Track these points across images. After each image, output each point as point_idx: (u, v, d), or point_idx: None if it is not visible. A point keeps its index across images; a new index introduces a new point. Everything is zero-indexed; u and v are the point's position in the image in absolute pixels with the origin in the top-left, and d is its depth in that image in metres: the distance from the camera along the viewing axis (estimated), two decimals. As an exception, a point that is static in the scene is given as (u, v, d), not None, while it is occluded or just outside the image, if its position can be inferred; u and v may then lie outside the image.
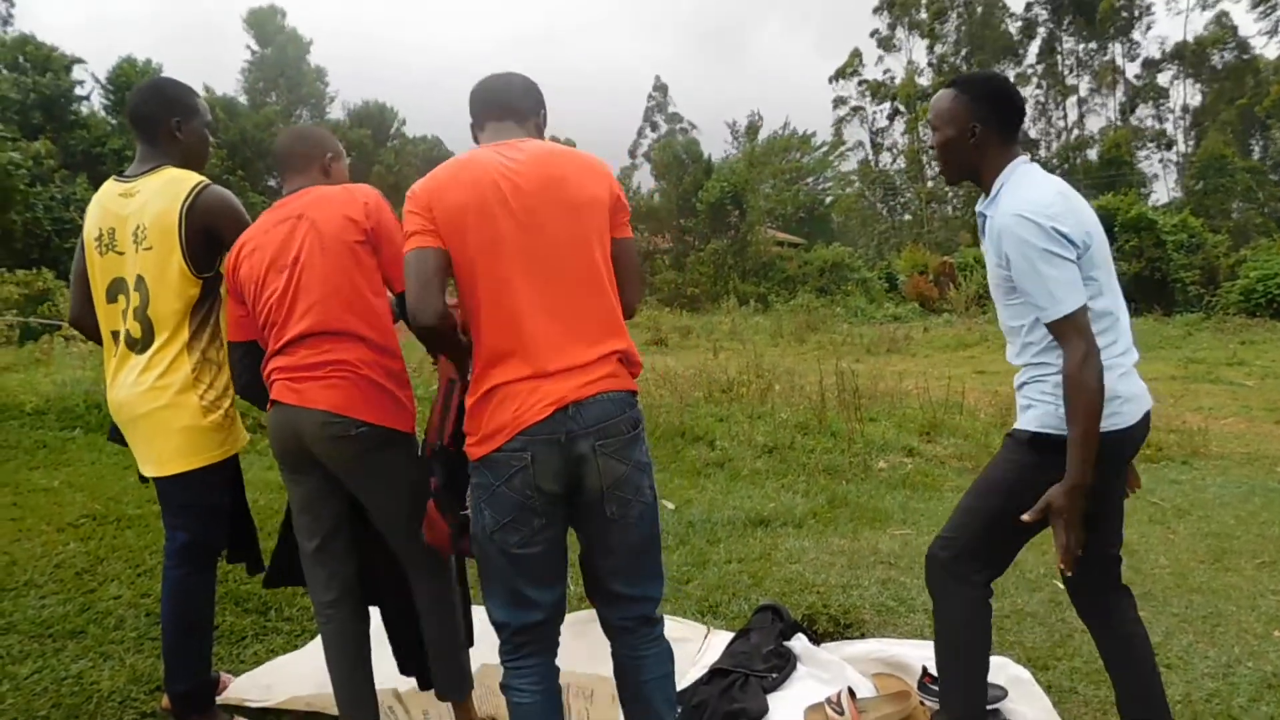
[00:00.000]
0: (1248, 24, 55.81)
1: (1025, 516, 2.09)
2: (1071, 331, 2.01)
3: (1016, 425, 2.25)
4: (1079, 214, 2.09)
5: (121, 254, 2.56)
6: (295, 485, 2.38)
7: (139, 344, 2.57)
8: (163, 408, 2.53)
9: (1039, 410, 2.15)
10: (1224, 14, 42.53)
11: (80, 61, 28.40)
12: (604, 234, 2.01)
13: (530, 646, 2.06)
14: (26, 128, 24.23)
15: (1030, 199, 2.08)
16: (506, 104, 2.16)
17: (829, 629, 3.43)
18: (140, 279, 2.54)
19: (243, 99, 39.48)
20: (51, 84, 26.02)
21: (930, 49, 46.74)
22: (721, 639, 3.26)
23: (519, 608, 2.02)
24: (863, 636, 3.37)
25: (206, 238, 2.52)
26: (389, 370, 2.31)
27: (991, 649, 3.15)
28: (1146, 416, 2.21)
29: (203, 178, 2.56)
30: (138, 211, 2.54)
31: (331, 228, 2.27)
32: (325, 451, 2.25)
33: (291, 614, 3.56)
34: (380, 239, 2.30)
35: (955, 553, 2.33)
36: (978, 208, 2.26)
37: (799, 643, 3.13)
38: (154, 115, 2.62)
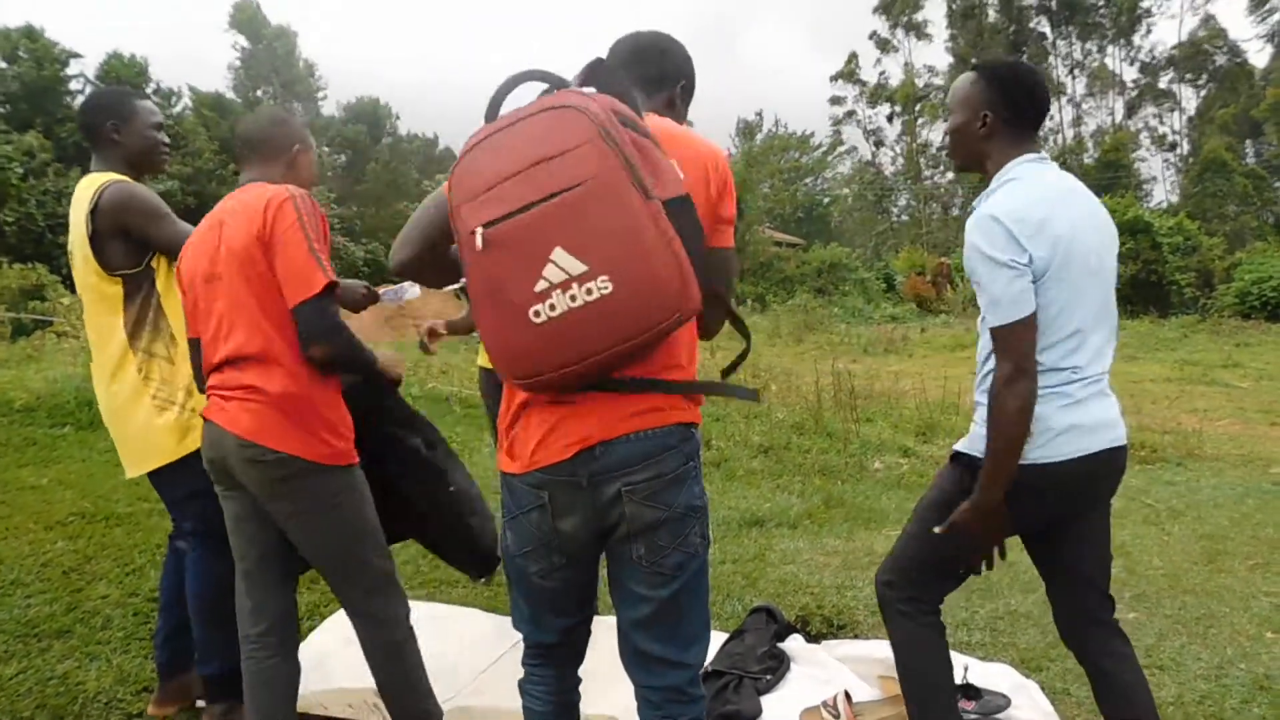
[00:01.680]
0: (1239, 28, 56.00)
1: (936, 529, 2.07)
2: (1004, 345, 1.92)
3: (955, 444, 2.18)
4: (1052, 225, 1.93)
5: (77, 266, 2.64)
6: (225, 502, 2.27)
7: (94, 348, 2.65)
8: (118, 409, 2.59)
9: (975, 431, 2.06)
10: (1211, 17, 42.67)
11: (78, 56, 28.33)
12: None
13: (546, 658, 1.93)
14: (16, 120, 24.15)
15: (1006, 202, 1.97)
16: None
17: (823, 630, 3.41)
18: (80, 291, 2.64)
19: (233, 96, 39.35)
20: (40, 77, 25.91)
21: (953, 39, 46.51)
22: (715, 640, 3.23)
23: (536, 626, 1.88)
24: (856, 638, 3.34)
25: (117, 236, 2.52)
26: (300, 399, 2.11)
27: (986, 654, 3.15)
28: (1104, 455, 2.01)
29: (111, 177, 2.56)
30: (71, 226, 2.61)
31: (239, 244, 2.09)
32: (243, 474, 2.14)
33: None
34: (273, 248, 2.07)
35: (897, 578, 2.25)
36: (975, 202, 2.11)
37: (794, 643, 3.12)
38: (91, 122, 2.67)
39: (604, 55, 1.84)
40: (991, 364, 1.98)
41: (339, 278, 2.16)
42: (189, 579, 2.65)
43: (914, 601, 2.22)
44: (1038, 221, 1.93)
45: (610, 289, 1.42)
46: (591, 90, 1.53)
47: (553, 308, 1.45)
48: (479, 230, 1.46)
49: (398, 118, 44.13)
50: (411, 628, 2.38)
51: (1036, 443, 1.96)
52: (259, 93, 41.02)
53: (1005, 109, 2.06)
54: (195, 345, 2.27)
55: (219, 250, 2.12)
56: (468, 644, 3.21)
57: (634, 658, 1.79)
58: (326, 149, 39.35)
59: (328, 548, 2.22)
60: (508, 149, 1.48)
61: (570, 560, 1.74)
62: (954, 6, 46.31)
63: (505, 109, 1.59)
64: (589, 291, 1.43)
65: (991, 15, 45.41)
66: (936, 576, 2.23)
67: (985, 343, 2.04)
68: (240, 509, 2.23)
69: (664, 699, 1.76)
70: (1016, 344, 1.90)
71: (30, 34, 27.66)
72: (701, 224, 1.53)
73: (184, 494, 2.61)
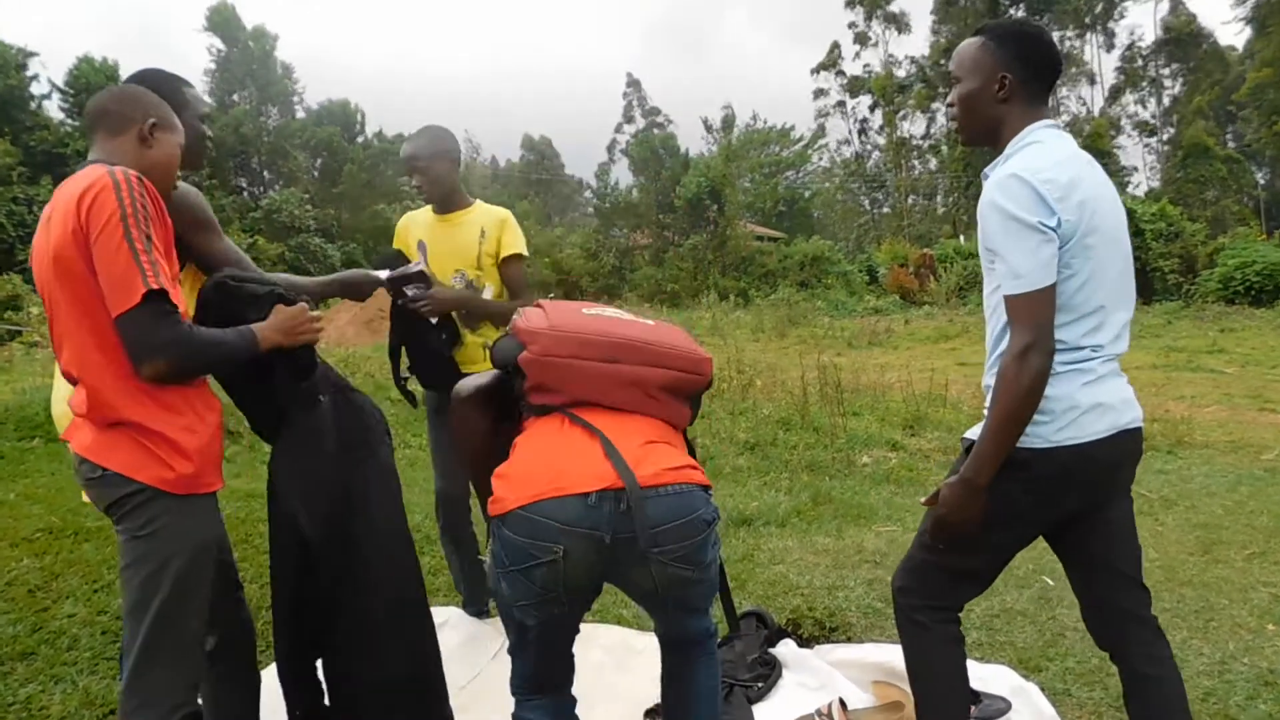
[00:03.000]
0: (1218, 11, 56.29)
1: (923, 500, 2.01)
2: (1024, 314, 1.77)
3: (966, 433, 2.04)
4: (1079, 188, 1.82)
5: None
6: None
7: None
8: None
9: (985, 417, 1.94)
10: (1179, 2, 42.88)
11: (33, 55, 27.88)
12: None
13: (540, 685, 1.98)
14: None
15: (1029, 163, 1.83)
16: None
17: (815, 633, 3.32)
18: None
19: (210, 101, 38.93)
20: (5, 85, 25.51)
21: (935, 29, 46.51)
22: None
23: (529, 657, 1.94)
24: (849, 640, 3.26)
25: None
26: (124, 415, 1.83)
27: (984, 654, 3.07)
28: (1126, 436, 1.91)
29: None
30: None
31: (57, 242, 1.78)
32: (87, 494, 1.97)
33: (258, 628, 3.39)
34: (92, 245, 1.74)
35: (911, 582, 2.12)
36: (985, 171, 2.01)
37: (785, 649, 3.03)
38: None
39: None
40: (1003, 344, 1.87)
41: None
42: None
43: (931, 610, 2.08)
44: (1067, 183, 1.80)
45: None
46: None
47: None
48: None
49: (363, 117, 43.64)
50: None
51: (1061, 422, 1.83)
52: (234, 96, 40.60)
53: (1023, 69, 1.94)
54: None
55: (49, 250, 1.82)
56: (448, 654, 3.10)
57: (664, 620, 2.03)
58: (302, 153, 39.04)
59: (126, 585, 1.90)
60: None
61: (574, 602, 1.80)
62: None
63: None
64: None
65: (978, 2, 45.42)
66: (951, 579, 2.08)
67: (997, 323, 1.92)
68: None
69: (694, 641, 2.03)
70: (1035, 314, 1.76)
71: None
72: None
73: None
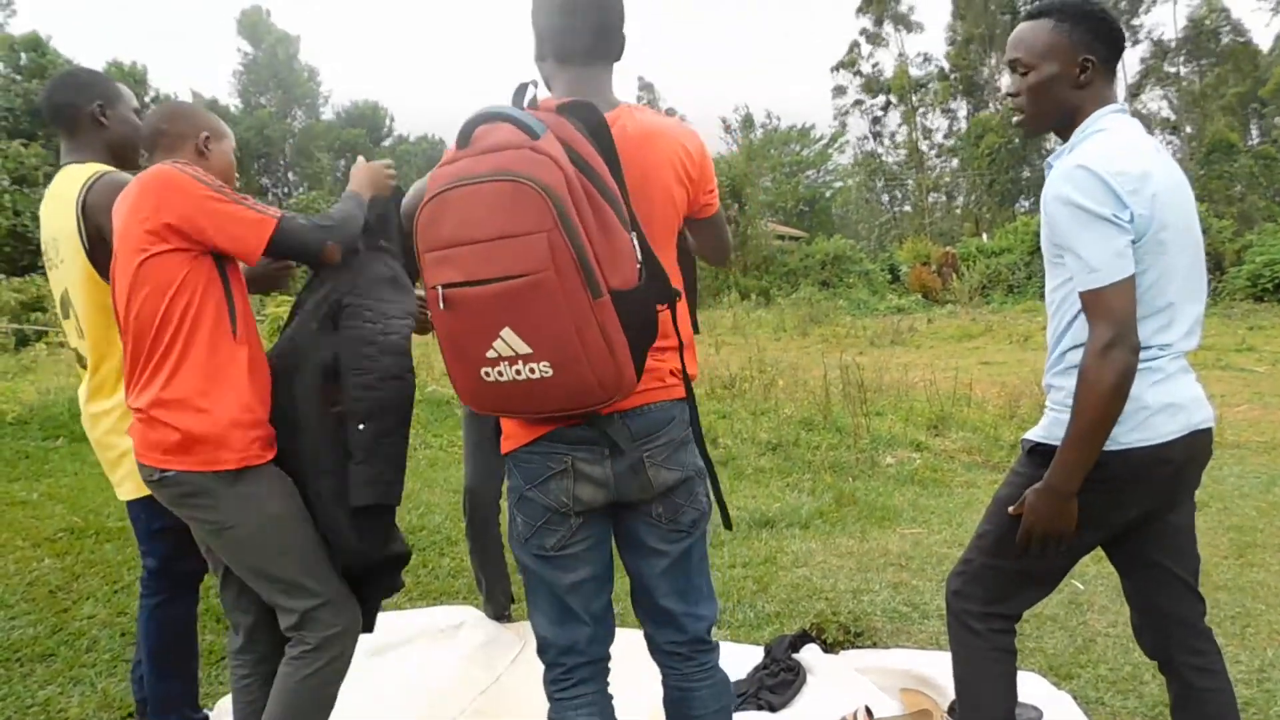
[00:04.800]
0: (1241, 6, 55.41)
1: (1011, 509, 1.85)
2: (1101, 311, 1.66)
3: (1026, 433, 1.95)
4: (1151, 180, 1.71)
5: (57, 268, 2.38)
6: None
7: (83, 362, 2.40)
8: (105, 433, 2.34)
9: (1053, 417, 1.85)
10: (1208, -2, 42.22)
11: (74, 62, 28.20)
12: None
13: (580, 672, 1.84)
14: (16, 132, 24.03)
15: (1099, 152, 1.72)
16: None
17: (840, 639, 3.24)
18: (66, 295, 2.37)
19: (236, 102, 39.33)
20: (38, 89, 25.84)
21: (953, 25, 46.20)
22: (725, 651, 3.08)
23: (566, 622, 1.82)
24: (875, 646, 3.19)
25: (104, 239, 2.18)
26: (177, 403, 1.90)
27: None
28: (1198, 436, 1.82)
29: (99, 168, 2.30)
30: (47, 221, 2.37)
31: (126, 242, 1.92)
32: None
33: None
34: (197, 218, 1.88)
35: (967, 586, 2.00)
36: (1049, 160, 1.89)
37: (810, 654, 2.96)
38: (71, 102, 2.38)
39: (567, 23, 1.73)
40: (1071, 340, 1.79)
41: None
42: (141, 629, 2.48)
43: (988, 617, 1.97)
44: (1139, 175, 1.70)
45: (551, 374, 1.51)
46: (546, 132, 1.50)
47: (500, 374, 1.54)
48: (440, 288, 1.52)
49: (393, 119, 44.03)
50: None
51: (1131, 423, 1.73)
52: (262, 99, 40.99)
53: (1105, 49, 1.82)
54: None
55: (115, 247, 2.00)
56: (468, 655, 3.08)
57: (657, 616, 1.87)
58: (328, 155, 39.32)
59: (247, 563, 2.02)
60: (469, 214, 1.49)
61: (585, 522, 1.76)
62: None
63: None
64: (532, 370, 1.51)
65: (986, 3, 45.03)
66: (1014, 584, 1.96)
67: (1063, 318, 1.83)
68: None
69: (692, 649, 1.87)
70: (1116, 308, 1.66)
71: (36, 44, 27.47)
72: (648, 303, 1.59)
73: (158, 527, 2.35)
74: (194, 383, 1.89)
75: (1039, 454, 1.86)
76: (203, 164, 2.05)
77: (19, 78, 26.31)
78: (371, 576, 2.14)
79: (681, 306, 1.79)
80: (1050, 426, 1.85)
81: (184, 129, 2.09)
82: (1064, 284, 1.81)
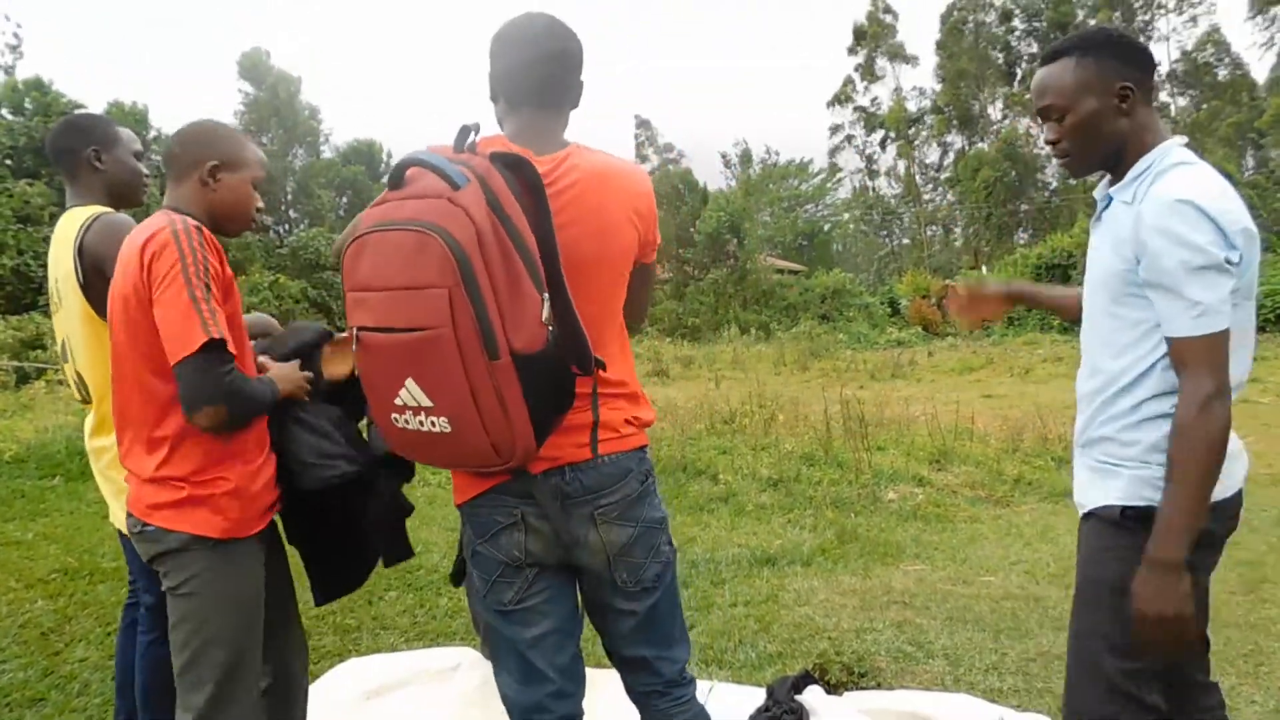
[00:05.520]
0: (1240, 39, 56.03)
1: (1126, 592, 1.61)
2: (1203, 360, 1.54)
3: (1091, 500, 1.74)
4: (1245, 220, 1.61)
5: (59, 311, 2.43)
6: None
7: (85, 397, 2.42)
8: (108, 466, 2.33)
9: (1132, 475, 1.67)
10: (1216, 28, 42.71)
11: (81, 106, 28.49)
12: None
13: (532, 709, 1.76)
14: (20, 171, 24.24)
15: (1201, 186, 1.60)
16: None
17: (843, 679, 3.19)
18: (66, 341, 2.41)
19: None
20: (42, 127, 26.05)
21: (941, 64, 46.74)
22: (726, 692, 3.02)
23: (529, 680, 1.74)
24: (879, 686, 3.13)
25: (102, 275, 2.17)
26: (167, 469, 1.85)
27: (1020, 702, 2.93)
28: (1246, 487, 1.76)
29: (96, 210, 2.33)
30: (52, 266, 2.40)
31: (124, 290, 1.83)
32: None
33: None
34: (155, 296, 1.77)
35: (1111, 710, 1.70)
36: (1103, 190, 1.78)
37: (812, 696, 2.90)
38: (69, 147, 2.42)
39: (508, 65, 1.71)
40: (1151, 388, 1.65)
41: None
42: (138, 667, 2.45)
43: None
44: (1239, 216, 1.58)
45: (450, 430, 1.49)
46: (468, 182, 1.45)
47: (406, 422, 1.52)
48: (356, 330, 1.53)
49: (390, 156, 44.35)
50: None
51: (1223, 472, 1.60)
52: (264, 138, 41.37)
53: (1139, 73, 1.71)
54: None
55: (113, 289, 1.89)
56: (465, 697, 3.02)
57: (630, 665, 1.86)
58: (328, 192, 39.62)
59: (174, 647, 1.93)
60: (382, 260, 1.47)
61: (541, 573, 1.72)
62: (944, 25, 46.61)
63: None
64: (433, 424, 1.50)
65: (976, 40, 45.62)
66: (1136, 703, 1.68)
67: (1138, 362, 1.67)
68: None
69: (668, 685, 1.86)
70: (1218, 357, 1.55)
71: (39, 86, 27.87)
72: (555, 368, 1.54)
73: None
74: (198, 460, 1.85)
75: (1131, 519, 1.67)
76: (207, 198, 1.96)
77: (22, 119, 26.61)
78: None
79: (625, 358, 1.77)
80: (1136, 486, 1.67)
81: (194, 155, 1.95)
82: (1139, 324, 1.66)
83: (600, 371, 1.62)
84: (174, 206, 1.95)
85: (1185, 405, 1.55)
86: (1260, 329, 19.75)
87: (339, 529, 2.12)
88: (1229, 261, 1.55)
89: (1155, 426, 1.64)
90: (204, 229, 1.84)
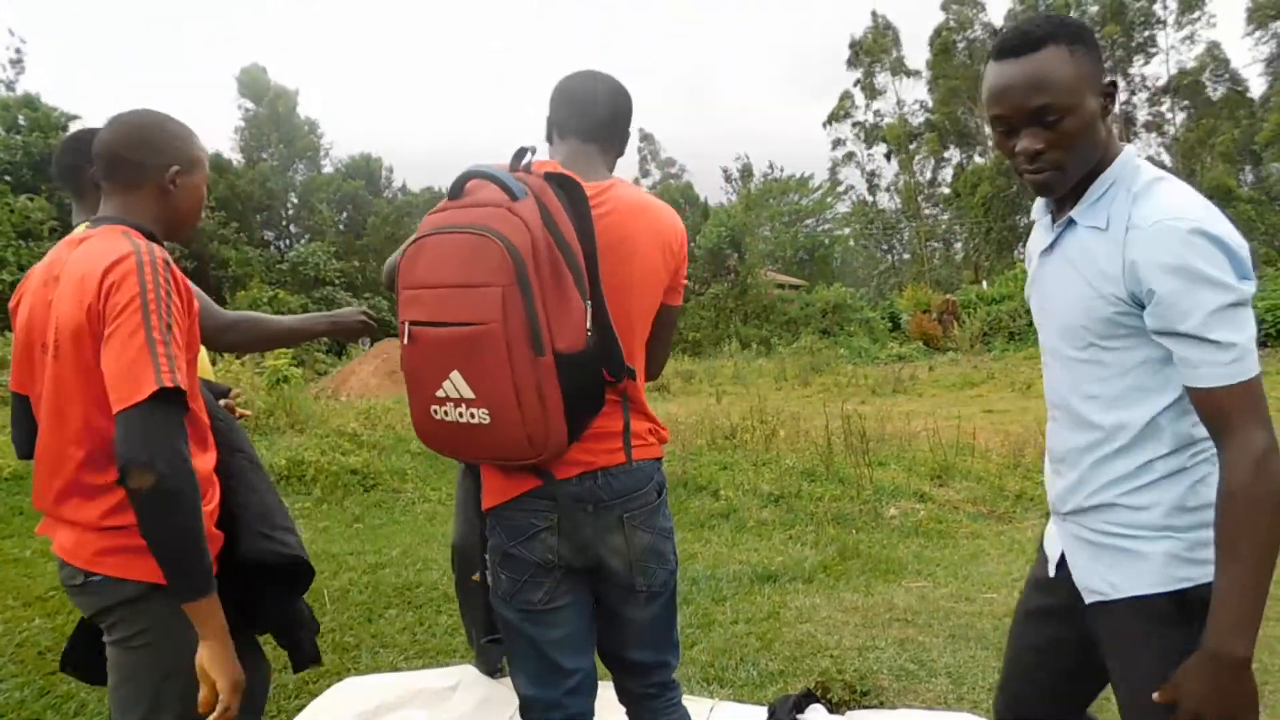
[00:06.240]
0: (1239, 55, 56.36)
1: (1156, 696, 1.37)
2: (1248, 410, 1.30)
3: (1110, 586, 1.48)
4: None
5: None
6: None
7: None
8: None
9: (1163, 553, 1.42)
10: (1215, 45, 42.94)
11: (75, 117, 28.61)
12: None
13: (548, 706, 1.84)
14: (19, 187, 24.35)
15: (1201, 208, 1.36)
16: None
17: (845, 697, 3.16)
18: None
19: (239, 157, 39.89)
20: (40, 142, 26.13)
21: (933, 81, 47.04)
22: (728, 711, 3.01)
23: (550, 676, 1.82)
24: (881, 705, 3.11)
25: None
26: (119, 518, 1.60)
27: None
28: None
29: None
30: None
31: (68, 320, 1.57)
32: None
33: (269, 692, 3.30)
34: (107, 328, 1.53)
35: None
36: (1043, 212, 1.59)
37: (814, 714, 2.89)
38: (76, 164, 2.29)
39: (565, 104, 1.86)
40: (1156, 448, 1.43)
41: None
42: None
43: None
44: (1240, 237, 1.36)
45: (488, 421, 1.58)
46: (526, 194, 1.58)
47: (445, 414, 1.62)
48: (408, 324, 1.63)
49: (391, 171, 44.49)
50: None
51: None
52: (264, 154, 41.53)
53: (1109, 80, 1.45)
54: (17, 400, 1.77)
55: (54, 320, 1.62)
56: (463, 718, 3.00)
57: (629, 668, 1.95)
58: (328, 207, 39.71)
59: (120, 707, 1.69)
60: (439, 260, 1.60)
61: (568, 577, 1.78)
62: (933, 46, 46.96)
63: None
64: (472, 415, 1.59)
65: (970, 57, 45.89)
66: None
67: (1135, 415, 1.44)
68: None
69: (661, 689, 1.97)
70: (1262, 405, 1.31)
71: (30, 103, 28.06)
72: (591, 370, 1.65)
73: None
74: None
75: (1180, 606, 1.42)
76: (164, 206, 1.75)
77: (18, 135, 26.78)
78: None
79: (642, 381, 1.86)
80: (1171, 566, 1.42)
81: (151, 160, 1.72)
82: (1133, 370, 1.44)
83: (630, 380, 1.74)
84: (123, 219, 1.70)
85: (1235, 467, 1.30)
86: (1261, 344, 19.80)
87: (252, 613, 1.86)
88: (1252, 296, 1.34)
89: (1173, 484, 1.42)
90: (172, 264, 1.63)
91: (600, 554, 1.76)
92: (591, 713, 1.89)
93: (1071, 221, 1.49)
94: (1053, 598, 1.66)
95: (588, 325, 1.61)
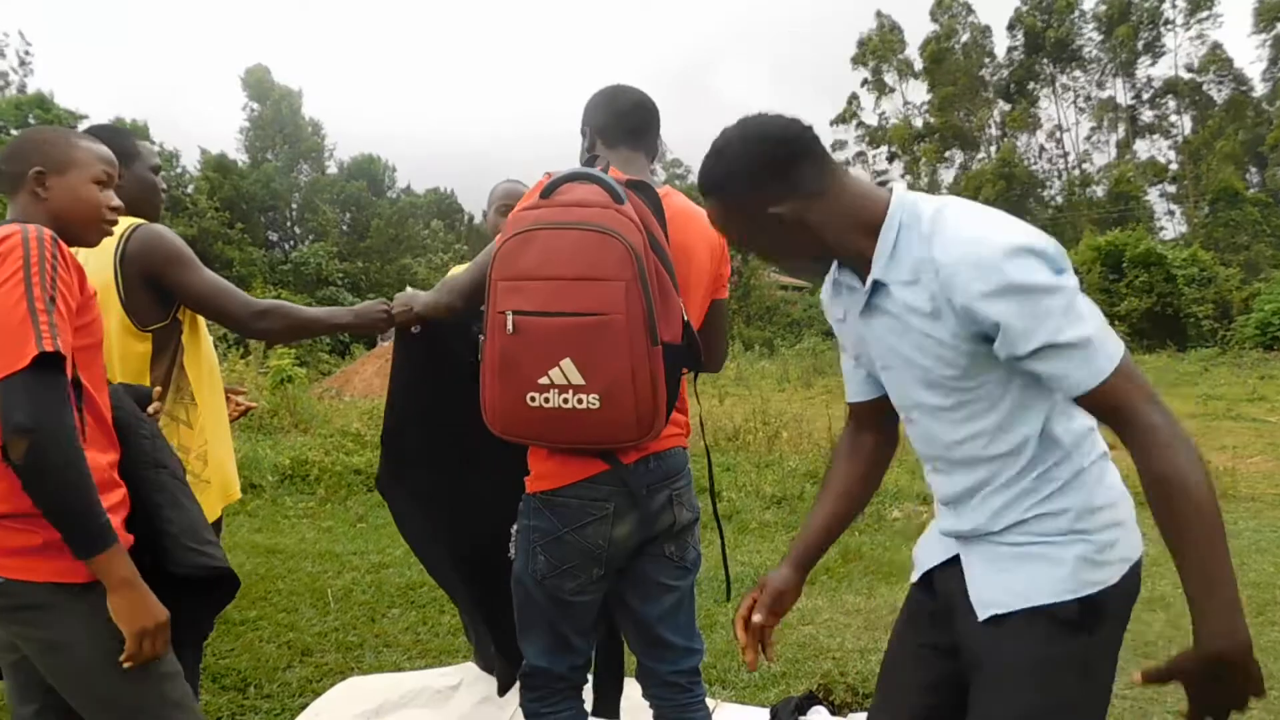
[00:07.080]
0: (1245, 56, 56.26)
1: (1136, 676, 1.27)
2: (1130, 392, 1.26)
3: (1021, 595, 1.39)
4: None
5: None
6: None
7: None
8: None
9: (1074, 556, 1.37)
10: (1218, 45, 42.86)
11: (83, 117, 28.69)
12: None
13: (565, 691, 2.01)
14: None
15: (990, 222, 1.36)
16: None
17: (847, 700, 3.16)
18: None
19: (244, 157, 40.04)
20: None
21: (931, 88, 47.13)
22: (730, 712, 3.00)
23: (560, 653, 1.96)
24: (884, 708, 3.10)
25: (148, 285, 2.20)
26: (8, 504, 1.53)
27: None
28: None
29: (130, 220, 2.25)
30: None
31: None
32: None
33: (271, 690, 3.31)
34: None
35: None
36: (836, 282, 1.59)
37: (816, 716, 2.90)
38: None
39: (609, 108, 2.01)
40: (1046, 458, 1.40)
41: None
42: None
43: None
44: (1037, 231, 1.35)
45: (598, 406, 1.67)
46: (627, 200, 1.72)
47: (547, 400, 1.69)
48: (510, 314, 1.69)
49: (394, 170, 44.60)
50: None
51: (1133, 534, 1.40)
52: (268, 154, 41.67)
53: (792, 177, 1.43)
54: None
55: None
56: (464, 716, 3.01)
57: (657, 649, 2.03)
58: (332, 208, 39.82)
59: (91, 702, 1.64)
60: (555, 254, 1.68)
61: (607, 572, 1.89)
62: (924, 55, 47.06)
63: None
64: (580, 400, 1.67)
65: (967, 62, 45.96)
66: None
67: (1021, 438, 1.40)
68: None
69: (689, 681, 2.07)
70: (1141, 380, 1.27)
71: (41, 102, 28.11)
72: (684, 360, 1.81)
73: None
74: None
75: (1089, 613, 1.37)
76: (44, 209, 1.74)
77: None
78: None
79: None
80: (1083, 570, 1.37)
81: (17, 168, 1.74)
82: (1001, 394, 1.39)
83: (688, 372, 1.90)
84: (19, 219, 1.71)
85: (1149, 454, 1.24)
86: (1268, 347, 19.76)
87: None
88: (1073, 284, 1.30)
89: (1078, 486, 1.39)
90: (60, 241, 1.61)
91: (654, 530, 1.89)
92: (586, 679, 2.08)
93: (879, 285, 1.43)
94: (935, 633, 1.57)
95: (684, 319, 1.76)
